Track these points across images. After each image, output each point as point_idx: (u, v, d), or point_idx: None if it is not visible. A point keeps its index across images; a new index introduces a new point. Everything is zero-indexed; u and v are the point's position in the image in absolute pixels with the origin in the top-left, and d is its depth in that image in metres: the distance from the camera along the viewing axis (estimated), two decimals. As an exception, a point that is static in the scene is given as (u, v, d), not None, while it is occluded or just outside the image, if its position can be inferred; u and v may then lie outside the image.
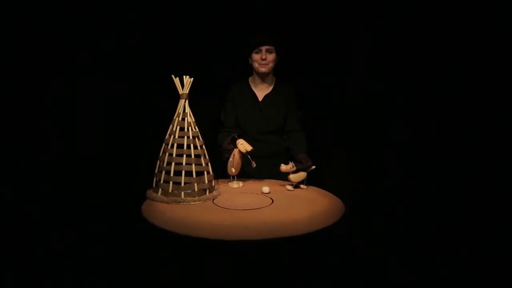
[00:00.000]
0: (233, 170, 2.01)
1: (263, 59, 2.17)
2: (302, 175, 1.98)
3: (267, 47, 2.17)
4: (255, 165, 1.97)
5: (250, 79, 2.33)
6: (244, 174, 2.13)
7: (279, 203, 1.76)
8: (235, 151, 2.01)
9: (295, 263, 1.52)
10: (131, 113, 2.26)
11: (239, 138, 2.03)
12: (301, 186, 2.01)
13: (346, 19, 2.32)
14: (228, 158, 2.04)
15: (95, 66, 2.16)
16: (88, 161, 2.12)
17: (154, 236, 1.53)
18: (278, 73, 2.32)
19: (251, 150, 1.97)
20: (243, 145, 1.98)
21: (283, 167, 1.94)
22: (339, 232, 1.56)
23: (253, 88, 2.31)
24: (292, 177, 1.97)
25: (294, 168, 1.95)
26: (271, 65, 2.21)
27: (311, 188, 2.02)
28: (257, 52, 2.19)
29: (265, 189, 1.92)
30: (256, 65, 2.22)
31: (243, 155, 2.01)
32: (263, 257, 1.46)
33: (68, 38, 2.10)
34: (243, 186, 2.06)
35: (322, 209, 1.69)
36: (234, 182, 2.06)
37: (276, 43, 2.19)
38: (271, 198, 1.83)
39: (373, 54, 2.27)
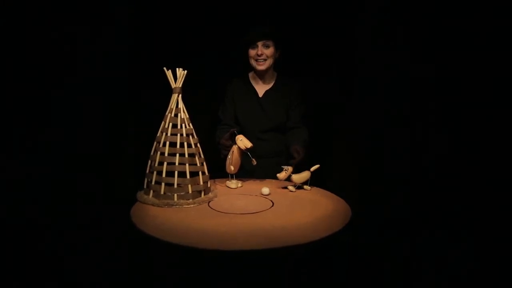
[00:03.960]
0: (232, 168, 1.89)
1: (259, 54, 2.03)
2: (305, 175, 1.86)
3: (263, 41, 2.02)
4: (255, 163, 1.86)
5: (250, 74, 2.21)
6: (244, 173, 2.00)
7: (280, 206, 1.64)
8: (234, 148, 1.89)
9: (299, 274, 1.38)
10: (121, 109, 2.13)
11: (238, 134, 1.90)
12: (305, 187, 1.89)
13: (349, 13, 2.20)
14: (226, 155, 1.92)
15: (81, 59, 2.02)
16: (75, 160, 1.99)
17: (143, 244, 1.39)
18: (279, 68, 2.18)
19: (251, 147, 1.85)
20: (242, 141, 1.86)
21: (280, 176, 1.83)
22: (346, 239, 1.43)
23: (253, 84, 2.18)
24: (295, 177, 1.85)
25: (290, 171, 1.82)
26: (268, 61, 2.06)
27: (315, 189, 1.90)
28: (253, 48, 2.05)
29: (265, 190, 1.80)
30: (252, 62, 2.08)
31: (242, 152, 1.88)
32: (263, 268, 1.32)
33: (57, 32, 1.97)
34: (241, 186, 1.93)
35: (327, 213, 1.56)
36: (233, 181, 1.94)
37: (273, 37, 2.03)
38: (271, 201, 1.71)
39: (376, 53, 2.15)
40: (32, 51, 1.91)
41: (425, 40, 2.01)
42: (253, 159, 1.85)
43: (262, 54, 2.03)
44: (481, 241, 1.82)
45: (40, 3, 1.90)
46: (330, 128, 2.36)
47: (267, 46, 2.03)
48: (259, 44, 2.02)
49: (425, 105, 2.05)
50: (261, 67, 2.07)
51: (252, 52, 2.06)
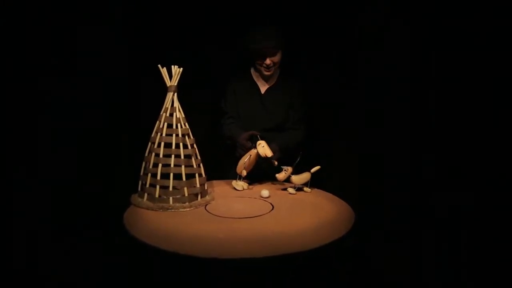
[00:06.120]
0: (245, 172, 1.82)
1: (268, 64, 1.96)
2: (305, 176, 1.80)
3: (270, 50, 1.94)
4: (276, 164, 1.81)
5: (252, 69, 2.13)
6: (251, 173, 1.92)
7: (280, 210, 1.58)
8: (252, 153, 1.82)
9: (301, 283, 1.32)
10: (114, 109, 2.05)
11: (261, 138, 1.84)
12: (305, 189, 1.82)
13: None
14: (242, 154, 1.87)
15: (75, 58, 1.95)
16: (69, 161, 1.92)
17: (136, 250, 1.32)
18: (281, 66, 2.11)
19: (271, 157, 1.80)
20: (264, 149, 1.80)
21: (279, 177, 1.78)
22: (350, 245, 1.37)
23: (256, 80, 2.10)
24: (294, 179, 1.78)
25: (290, 171, 1.77)
26: (276, 66, 2.00)
27: (315, 191, 1.84)
28: (260, 59, 1.97)
29: (264, 193, 1.74)
30: (259, 68, 2.01)
31: (258, 157, 1.82)
32: (262, 277, 1.26)
33: (55, 31, 1.90)
34: (247, 189, 1.86)
35: (329, 217, 1.50)
36: (240, 183, 1.86)
37: (281, 47, 1.96)
38: (271, 204, 1.64)
39: (377, 53, 2.11)
40: (30, 50, 1.85)
41: (426, 40, 1.97)
42: (275, 161, 1.81)
43: (270, 63, 1.96)
44: (483, 242, 1.78)
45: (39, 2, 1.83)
46: (330, 128, 2.30)
47: (274, 54, 1.96)
48: (267, 53, 1.94)
49: (425, 105, 2.01)
50: (269, 73, 2.02)
51: (259, 62, 1.98)
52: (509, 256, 1.71)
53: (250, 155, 1.82)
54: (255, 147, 1.82)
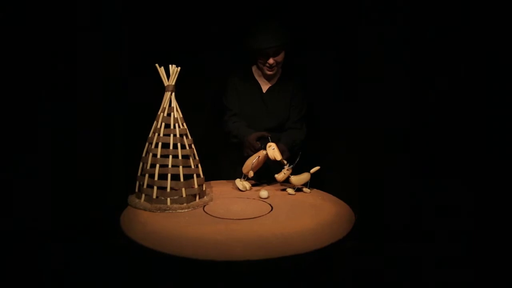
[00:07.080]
0: (251, 173, 1.80)
1: (271, 64, 1.93)
2: (305, 177, 1.78)
3: (274, 50, 1.91)
4: (286, 163, 1.78)
5: (253, 68, 2.10)
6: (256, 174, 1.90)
7: (279, 211, 1.56)
8: (261, 154, 1.79)
9: (300, 286, 1.30)
10: (111, 108, 2.03)
11: (271, 140, 1.82)
12: (304, 189, 1.81)
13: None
14: (249, 154, 1.84)
15: (71, 55, 1.93)
16: (64, 162, 1.90)
17: (132, 253, 1.30)
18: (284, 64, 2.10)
19: (280, 160, 1.77)
20: (274, 151, 1.77)
21: (278, 177, 1.76)
22: (350, 246, 1.35)
23: (257, 79, 2.08)
24: (293, 179, 1.77)
25: (290, 171, 1.75)
26: (279, 65, 1.98)
27: (315, 191, 1.82)
28: (263, 56, 1.94)
29: (263, 193, 1.72)
30: (262, 67, 1.99)
31: (266, 159, 1.79)
32: (261, 280, 1.24)
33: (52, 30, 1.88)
34: (249, 190, 1.83)
35: (329, 218, 1.48)
36: (244, 182, 1.84)
37: (286, 46, 1.93)
38: (270, 205, 1.62)
39: (377, 52, 2.10)
40: (29, 50, 1.83)
41: (426, 39, 1.95)
42: (284, 161, 1.78)
43: (274, 63, 1.94)
44: (483, 242, 1.77)
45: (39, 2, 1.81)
46: (330, 128, 2.29)
47: (278, 54, 1.93)
48: (270, 52, 1.91)
49: (425, 105, 1.99)
50: (272, 72, 1.99)
51: (262, 60, 1.95)
52: (509, 256, 1.70)
53: (259, 156, 1.79)
54: (264, 148, 1.80)
